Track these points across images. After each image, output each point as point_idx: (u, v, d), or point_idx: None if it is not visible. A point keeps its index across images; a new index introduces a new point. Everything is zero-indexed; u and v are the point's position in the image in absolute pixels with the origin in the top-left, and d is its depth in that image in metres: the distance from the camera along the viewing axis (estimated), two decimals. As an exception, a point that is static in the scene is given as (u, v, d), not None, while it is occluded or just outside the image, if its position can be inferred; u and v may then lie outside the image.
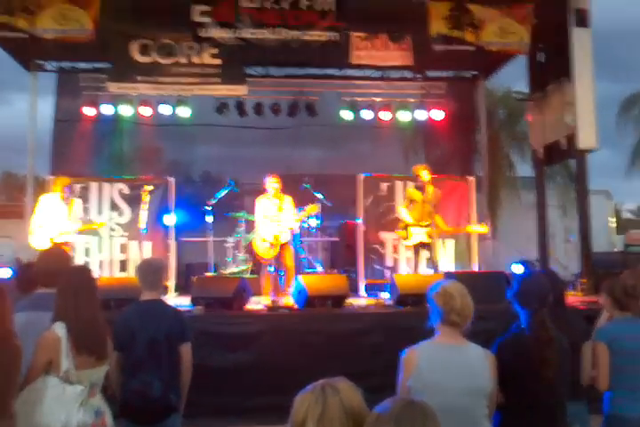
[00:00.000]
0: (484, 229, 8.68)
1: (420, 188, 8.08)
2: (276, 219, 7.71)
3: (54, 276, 3.26)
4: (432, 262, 7.96)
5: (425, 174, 8.00)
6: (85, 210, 9.10)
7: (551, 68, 9.42)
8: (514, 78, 13.02)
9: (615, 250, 17.59)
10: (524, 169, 14.98)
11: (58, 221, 7.54)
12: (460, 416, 2.56)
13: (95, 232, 9.34)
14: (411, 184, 9.52)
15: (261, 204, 7.92)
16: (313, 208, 7.78)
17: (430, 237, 7.88)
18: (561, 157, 10.04)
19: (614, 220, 21.35)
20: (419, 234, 7.89)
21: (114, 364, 3.44)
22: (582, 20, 8.51)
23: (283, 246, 7.73)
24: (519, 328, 3.05)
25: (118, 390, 3.60)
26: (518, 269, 8.66)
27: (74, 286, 3.15)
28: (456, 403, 2.58)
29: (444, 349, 2.73)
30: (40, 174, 10.85)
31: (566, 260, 10.28)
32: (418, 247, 8.02)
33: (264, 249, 7.75)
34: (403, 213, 8.18)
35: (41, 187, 9.59)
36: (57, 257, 3.71)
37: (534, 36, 8.72)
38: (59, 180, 7.89)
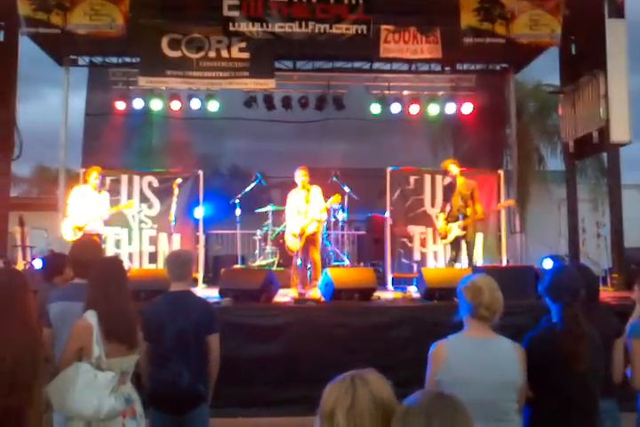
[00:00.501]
0: (510, 202, 9.24)
1: (452, 184, 8.02)
2: (303, 210, 7.73)
3: (87, 266, 3.33)
4: (468, 257, 7.88)
5: (453, 168, 7.95)
6: (115, 202, 9.22)
7: (584, 61, 9.23)
8: (545, 71, 12.82)
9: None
10: (555, 163, 14.73)
11: (87, 209, 7.84)
12: (489, 410, 2.55)
13: (125, 224, 9.48)
14: (439, 178, 9.53)
15: (291, 197, 7.97)
16: (336, 199, 7.78)
17: (464, 229, 7.80)
18: (592, 150, 9.87)
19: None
20: (454, 228, 7.85)
21: (143, 354, 3.47)
22: (617, 11, 8.31)
23: (309, 238, 7.74)
24: (550, 322, 3.01)
25: (147, 380, 3.64)
26: (549, 264, 8.54)
27: (105, 276, 3.21)
28: (485, 397, 2.56)
29: (472, 342, 2.72)
30: (72, 167, 11.03)
31: (597, 255, 10.09)
32: (457, 241, 7.95)
33: (292, 241, 7.79)
34: (438, 219, 8.36)
35: (73, 180, 9.75)
36: (90, 248, 3.79)
37: (566, 27, 8.56)
38: (91, 169, 8.17)
